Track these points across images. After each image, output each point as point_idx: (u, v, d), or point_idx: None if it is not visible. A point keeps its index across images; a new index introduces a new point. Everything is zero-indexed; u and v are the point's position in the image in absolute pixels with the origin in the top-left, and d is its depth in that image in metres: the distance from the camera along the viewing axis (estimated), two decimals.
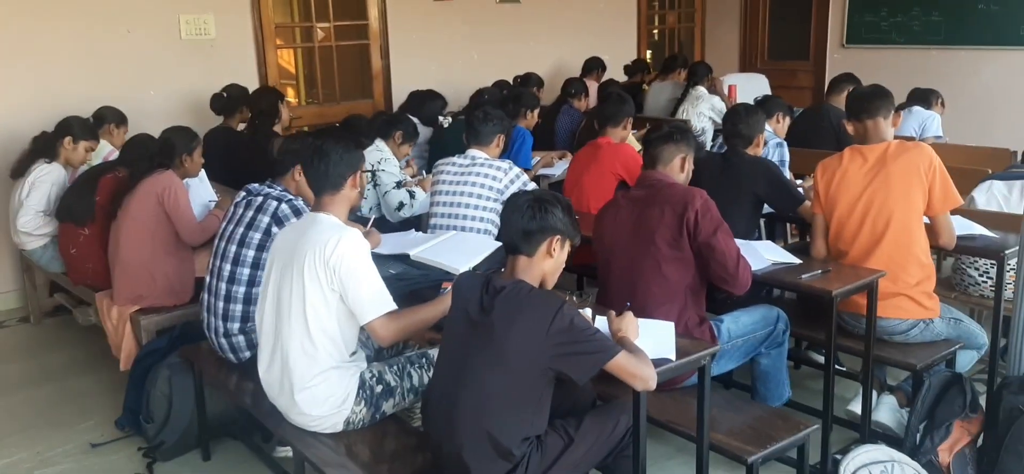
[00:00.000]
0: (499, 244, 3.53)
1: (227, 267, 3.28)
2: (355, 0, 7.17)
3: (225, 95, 5.54)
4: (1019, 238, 3.31)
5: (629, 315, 2.58)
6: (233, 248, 3.29)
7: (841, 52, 8.66)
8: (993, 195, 4.10)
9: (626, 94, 5.09)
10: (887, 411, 3.44)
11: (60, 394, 4.24)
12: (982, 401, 3.43)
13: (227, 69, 6.10)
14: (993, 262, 3.84)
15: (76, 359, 4.66)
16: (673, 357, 2.52)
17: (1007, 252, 3.39)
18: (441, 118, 5.81)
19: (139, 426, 3.66)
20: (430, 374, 2.87)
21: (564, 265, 2.55)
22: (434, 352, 2.92)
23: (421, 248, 3.40)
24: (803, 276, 3.22)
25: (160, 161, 4.12)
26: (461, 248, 3.42)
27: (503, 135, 4.12)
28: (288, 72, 7.38)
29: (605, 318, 2.60)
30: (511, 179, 3.97)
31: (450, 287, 2.93)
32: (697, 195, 3.04)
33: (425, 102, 6.07)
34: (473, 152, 4.05)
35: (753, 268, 3.16)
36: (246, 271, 3.26)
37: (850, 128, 3.63)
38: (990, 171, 4.51)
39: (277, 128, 5.45)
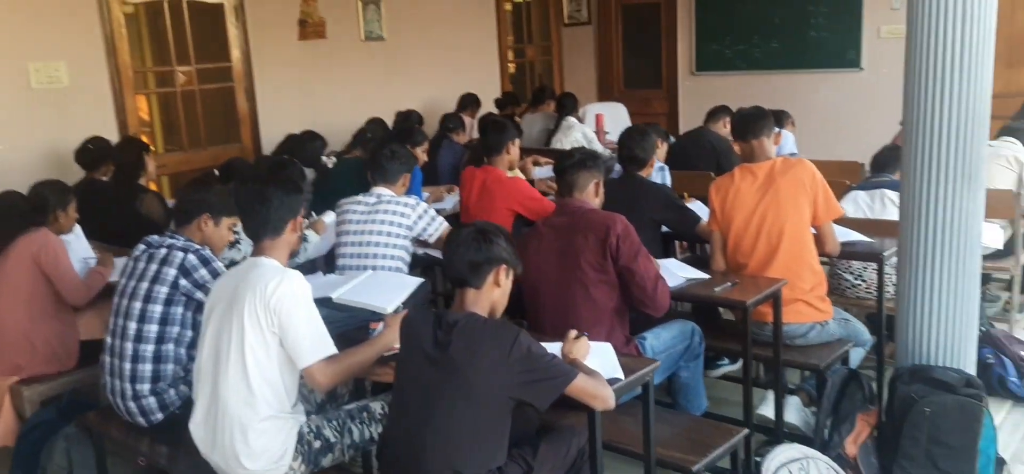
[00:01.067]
0: (418, 280, 3.51)
1: (132, 325, 3.08)
2: (216, 42, 6.92)
3: (91, 147, 5.19)
4: (897, 241, 3.64)
5: (583, 339, 2.64)
6: (137, 305, 3.09)
7: (691, 79, 9.19)
8: (858, 204, 4.47)
9: (507, 122, 5.20)
10: (794, 412, 3.67)
11: None
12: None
13: (83, 118, 5.71)
14: (865, 265, 4.21)
15: None
16: (622, 376, 2.59)
17: (886, 254, 3.72)
18: (325, 158, 5.69)
19: None
20: (372, 428, 2.82)
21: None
22: (376, 405, 2.88)
23: (343, 290, 3.32)
24: (716, 289, 3.40)
25: (32, 218, 3.81)
26: (383, 287, 3.37)
27: (408, 173, 4.10)
28: (148, 119, 7.01)
29: (557, 344, 2.63)
30: (419, 215, 3.95)
31: (379, 327, 2.90)
32: (618, 220, 3.14)
33: (304, 144, 5.92)
34: (379, 190, 4.01)
35: (670, 286, 3.30)
36: (153, 328, 3.07)
37: (737, 148, 3.88)
38: (848, 182, 4.92)
39: (143, 180, 5.17)
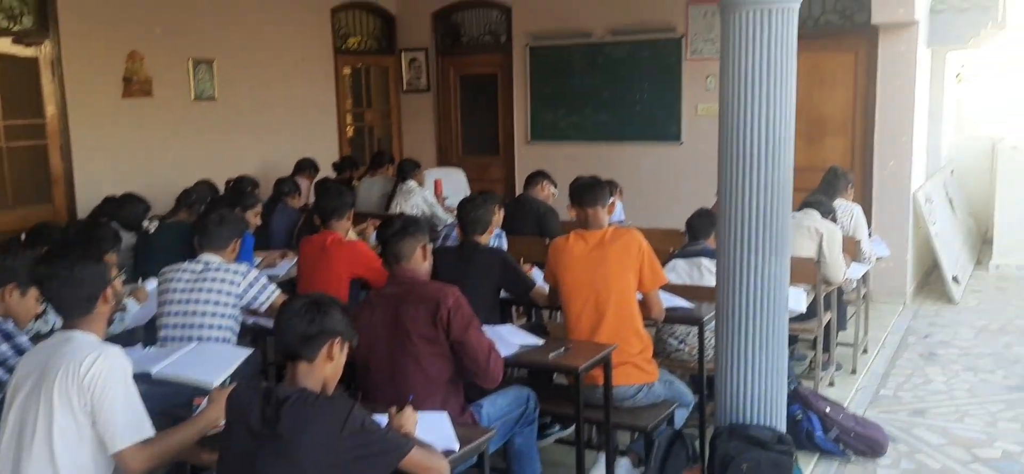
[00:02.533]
0: (247, 351, 3.38)
1: None
2: (29, 97, 6.48)
3: None
4: (714, 306, 3.88)
5: (408, 410, 2.61)
6: None
7: (527, 147, 9.46)
8: (679, 272, 4.72)
9: (345, 187, 5.17)
10: (624, 473, 3.79)
11: None
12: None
13: None
14: (688, 329, 4.45)
15: None
16: (457, 447, 2.59)
17: (705, 319, 3.95)
18: (146, 223, 5.39)
19: None
20: None
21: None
22: None
23: (164, 364, 3.14)
24: (550, 355, 3.48)
25: None
26: (208, 359, 3.22)
27: (238, 238, 3.96)
28: None
29: (385, 416, 2.60)
30: (249, 283, 3.81)
31: (203, 402, 2.76)
32: (449, 292, 3.15)
33: (123, 206, 5.61)
34: (206, 257, 3.84)
35: (503, 354, 3.34)
36: None
37: (573, 213, 4.05)
38: (671, 249, 5.20)
39: None
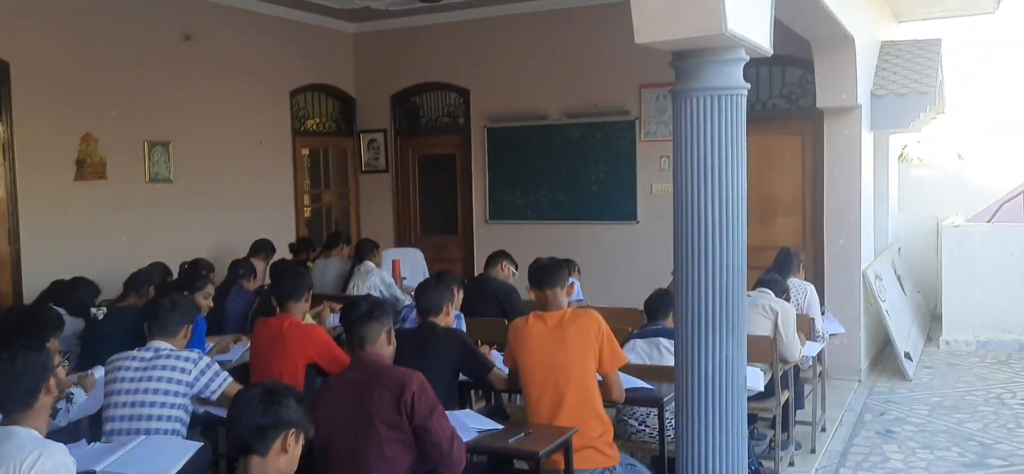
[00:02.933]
0: (196, 445, 3.29)
1: None
2: None
3: None
4: (673, 387, 3.88)
5: None
6: None
7: (485, 227, 9.51)
8: (638, 352, 4.73)
9: (302, 269, 5.11)
10: None
11: None
12: None
13: None
14: (648, 410, 4.44)
15: None
16: None
17: (665, 400, 3.95)
18: (94, 309, 5.26)
19: None
20: None
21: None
22: None
23: (109, 461, 3.02)
24: (510, 441, 3.44)
25: None
26: (156, 455, 3.11)
27: (190, 324, 3.88)
28: None
29: None
30: (201, 370, 3.72)
31: None
32: (413, 377, 3.11)
33: (72, 291, 5.48)
34: (157, 344, 3.75)
35: (463, 439, 3.29)
36: None
37: (532, 295, 4.04)
38: (629, 329, 5.22)
39: None
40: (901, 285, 8.74)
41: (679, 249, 3.64)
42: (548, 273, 3.97)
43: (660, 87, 8.47)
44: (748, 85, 3.64)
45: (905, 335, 7.92)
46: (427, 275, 8.62)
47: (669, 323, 4.68)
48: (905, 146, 11.71)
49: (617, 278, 8.54)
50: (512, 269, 6.41)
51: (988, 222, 10.46)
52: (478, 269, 9.31)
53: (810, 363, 5.73)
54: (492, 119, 9.34)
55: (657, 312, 4.76)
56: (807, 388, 6.01)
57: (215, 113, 8.11)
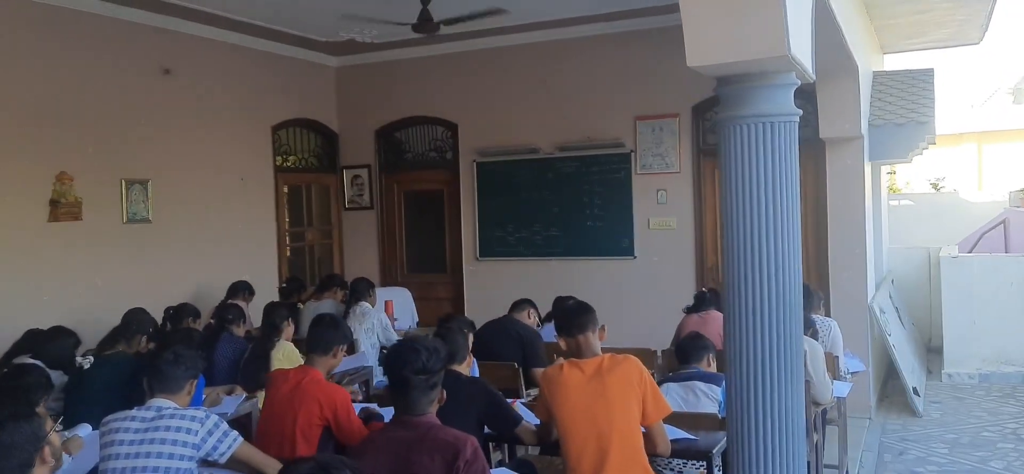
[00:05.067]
0: None
1: None
2: None
3: None
4: (721, 435, 3.61)
5: None
6: None
7: (475, 264, 9.20)
8: (673, 397, 4.45)
9: (339, 318, 4.70)
10: None
11: None
12: None
13: None
14: (686, 461, 4.14)
15: None
16: None
17: (715, 451, 3.66)
18: (79, 359, 4.85)
19: None
20: None
21: None
22: None
23: None
24: None
25: None
26: None
27: (194, 379, 3.51)
28: None
29: None
30: (209, 430, 3.35)
31: None
32: (468, 442, 2.85)
33: (50, 341, 5.06)
34: (159, 402, 3.37)
35: None
36: None
37: (563, 344, 3.75)
38: (653, 372, 4.94)
39: None
40: (899, 317, 8.61)
41: (730, 291, 3.40)
42: (576, 317, 3.68)
43: (656, 119, 8.31)
44: (800, 111, 3.42)
45: (911, 369, 7.75)
46: (416, 316, 8.29)
47: (704, 366, 4.42)
48: (891, 172, 11.71)
49: (614, 316, 8.16)
50: (537, 319, 6.10)
51: (970, 251, 10.45)
52: (469, 308, 8.99)
53: (834, 404, 5.50)
54: (482, 153, 9.07)
55: (690, 355, 4.48)
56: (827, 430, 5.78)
57: (195, 149, 7.73)
